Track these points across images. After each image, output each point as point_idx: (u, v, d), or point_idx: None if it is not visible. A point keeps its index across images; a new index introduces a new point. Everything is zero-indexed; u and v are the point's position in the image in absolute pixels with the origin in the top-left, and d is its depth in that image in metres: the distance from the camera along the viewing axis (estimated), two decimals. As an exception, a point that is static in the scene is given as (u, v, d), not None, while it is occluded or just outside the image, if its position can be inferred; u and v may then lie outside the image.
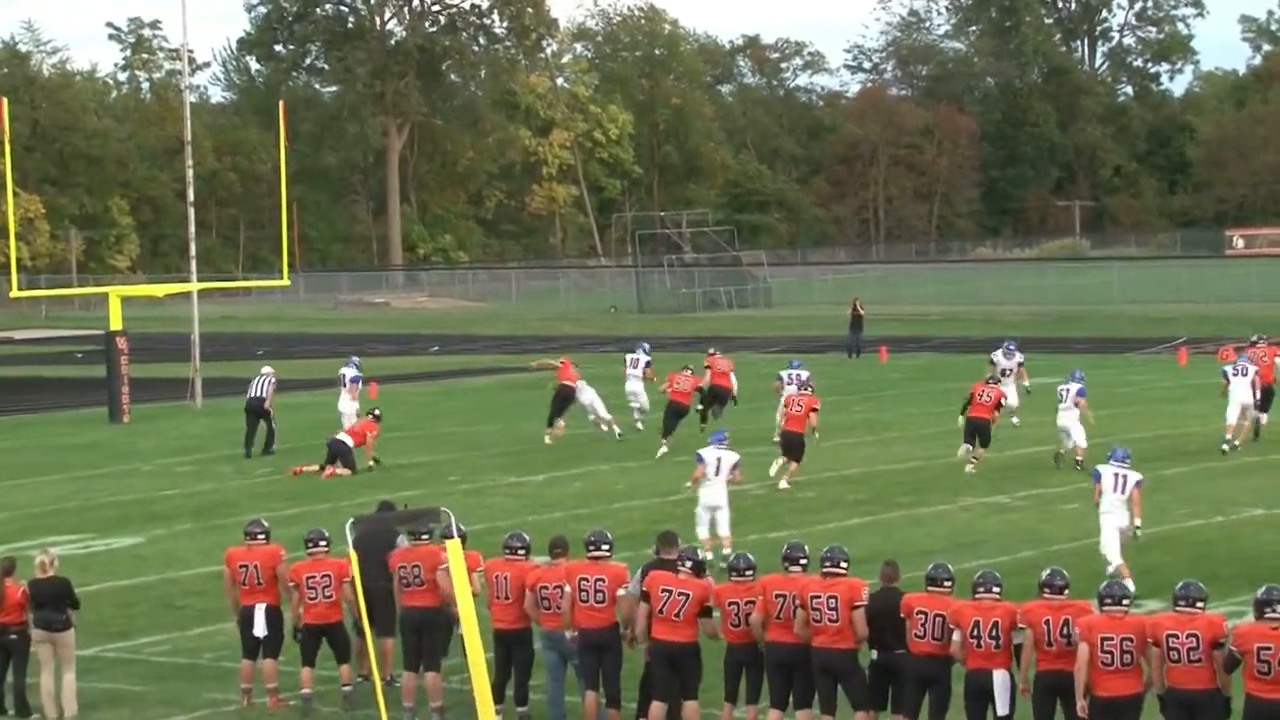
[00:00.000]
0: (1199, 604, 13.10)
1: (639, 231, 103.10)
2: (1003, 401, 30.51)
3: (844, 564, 14.56)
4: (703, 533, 22.03)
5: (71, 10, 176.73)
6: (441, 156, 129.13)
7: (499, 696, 15.65)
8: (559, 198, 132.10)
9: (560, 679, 15.88)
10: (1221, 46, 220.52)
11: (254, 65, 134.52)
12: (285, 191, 48.88)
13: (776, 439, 33.52)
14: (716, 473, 22.12)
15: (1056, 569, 13.97)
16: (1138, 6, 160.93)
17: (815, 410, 29.08)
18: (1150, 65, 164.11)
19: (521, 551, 16.03)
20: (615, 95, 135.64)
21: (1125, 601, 13.30)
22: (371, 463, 32.01)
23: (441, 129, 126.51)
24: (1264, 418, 32.22)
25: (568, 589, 15.37)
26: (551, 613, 15.59)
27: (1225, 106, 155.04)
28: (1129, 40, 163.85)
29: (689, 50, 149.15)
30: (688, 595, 14.87)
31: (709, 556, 19.65)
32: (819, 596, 14.35)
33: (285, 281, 52.76)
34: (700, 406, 35.50)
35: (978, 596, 13.92)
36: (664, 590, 14.93)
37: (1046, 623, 13.54)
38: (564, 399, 35.06)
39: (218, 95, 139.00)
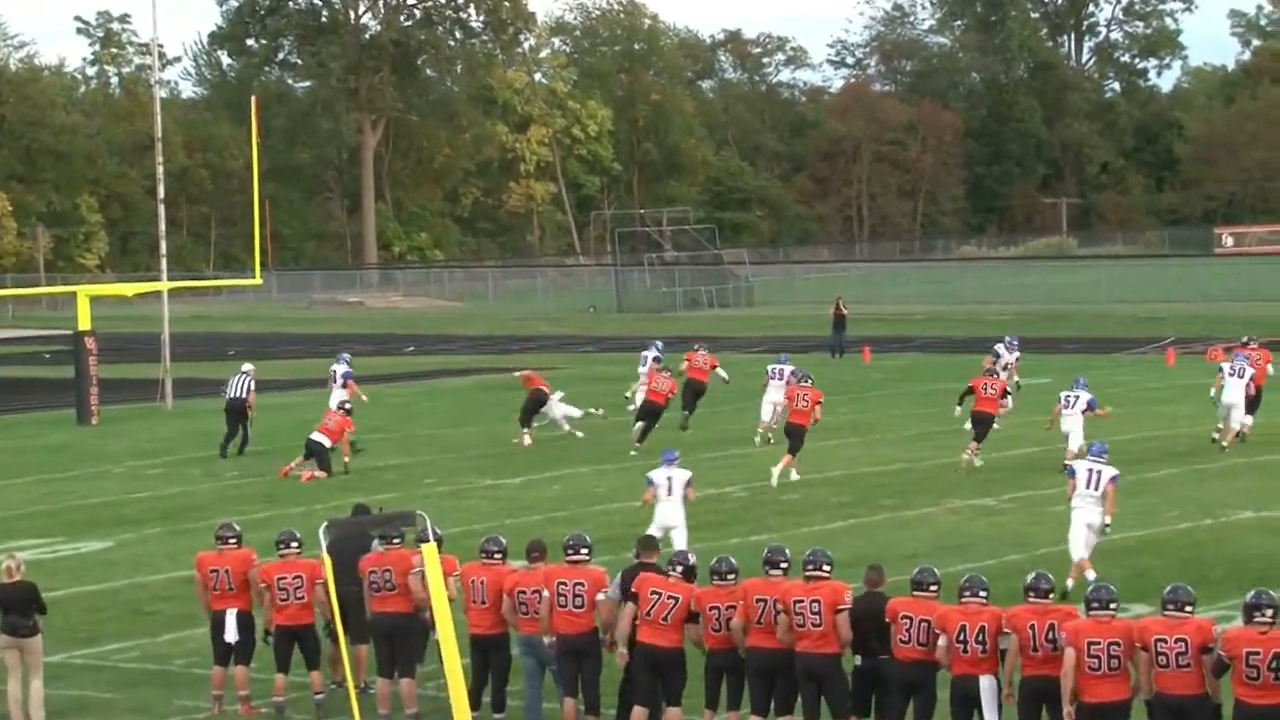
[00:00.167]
0: (1188, 608, 13.12)
1: (618, 229, 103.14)
2: (1007, 391, 30.61)
3: (827, 567, 14.56)
4: None
5: (39, 4, 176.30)
6: (417, 153, 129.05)
7: (475, 703, 15.62)
8: (537, 195, 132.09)
9: (538, 685, 15.87)
10: (1210, 42, 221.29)
11: (225, 60, 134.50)
12: (257, 188, 48.83)
13: (758, 434, 33.79)
14: (669, 493, 21.94)
15: (1042, 573, 13.99)
16: (1125, 1, 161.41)
17: (820, 404, 29.52)
18: (1138, 61, 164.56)
19: (498, 555, 16.02)
20: (594, 91, 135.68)
21: (1112, 605, 13.32)
22: (346, 459, 32.05)
23: (417, 125, 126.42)
24: (1249, 420, 32.27)
25: (546, 594, 15.36)
26: (529, 618, 15.58)
27: (1214, 103, 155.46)
28: (1116, 35, 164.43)
29: (669, 45, 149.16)
30: (677, 599, 14.88)
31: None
32: (802, 601, 14.34)
33: (257, 280, 52.63)
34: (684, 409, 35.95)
35: (964, 601, 13.93)
36: (653, 592, 14.93)
37: (1032, 628, 13.55)
38: (537, 403, 35.31)
39: (188, 90, 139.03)
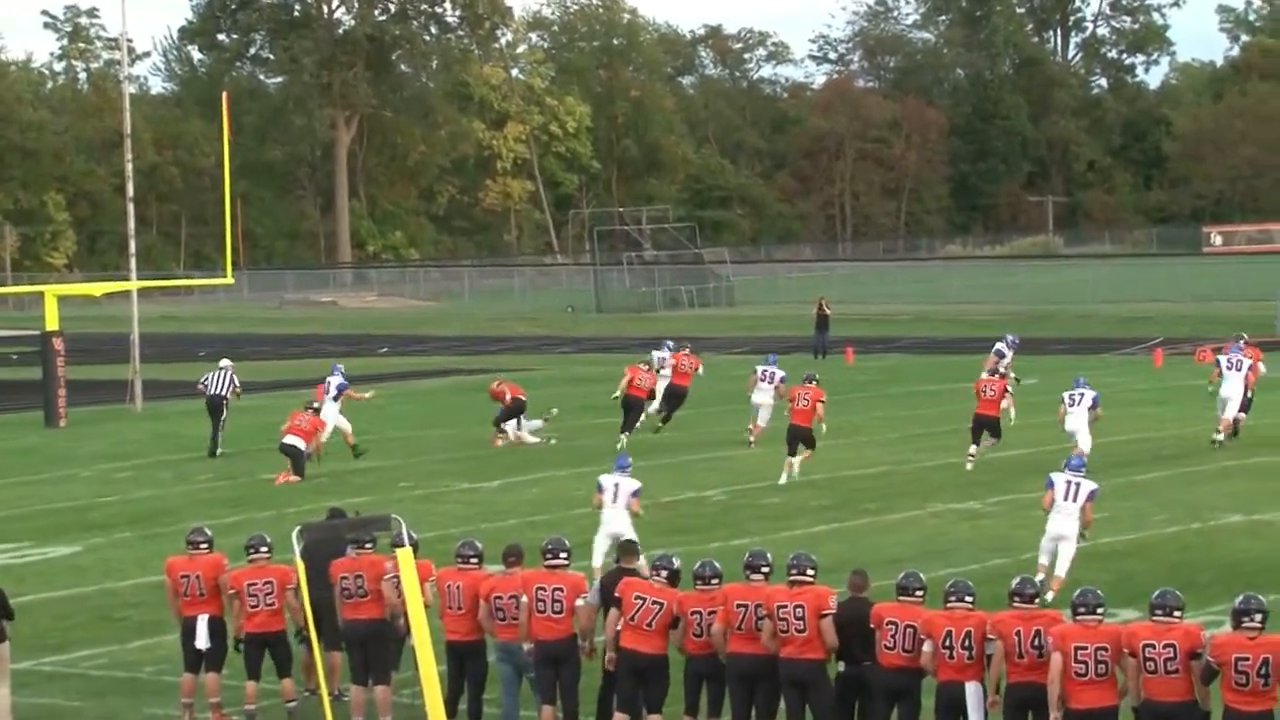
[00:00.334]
0: (1176, 613, 13.13)
1: (597, 228, 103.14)
2: (1008, 390, 30.69)
3: (811, 571, 14.55)
4: (597, 561, 21.35)
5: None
6: (391, 150, 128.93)
7: (451, 711, 15.60)
8: (514, 193, 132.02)
9: (515, 693, 15.86)
10: (1198, 37, 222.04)
11: (196, 55, 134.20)
12: (229, 186, 48.69)
13: (751, 437, 33.90)
14: (615, 499, 21.92)
15: (1027, 577, 14.02)
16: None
17: (822, 402, 29.77)
18: (1125, 56, 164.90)
19: (474, 560, 16.00)
20: (572, 87, 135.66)
21: (1099, 610, 13.34)
22: (317, 457, 32.10)
23: (391, 121, 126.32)
24: (1244, 417, 32.47)
25: (524, 599, 15.35)
26: (506, 624, 15.57)
27: (1202, 99, 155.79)
28: (1103, 31, 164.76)
29: (649, 40, 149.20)
30: (662, 605, 14.86)
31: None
32: (785, 606, 14.33)
33: (229, 280, 52.46)
34: (659, 409, 36.14)
35: (949, 606, 13.93)
36: (637, 598, 14.91)
37: (1018, 634, 13.56)
38: (515, 411, 35.51)
39: (158, 86, 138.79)
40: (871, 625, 14.19)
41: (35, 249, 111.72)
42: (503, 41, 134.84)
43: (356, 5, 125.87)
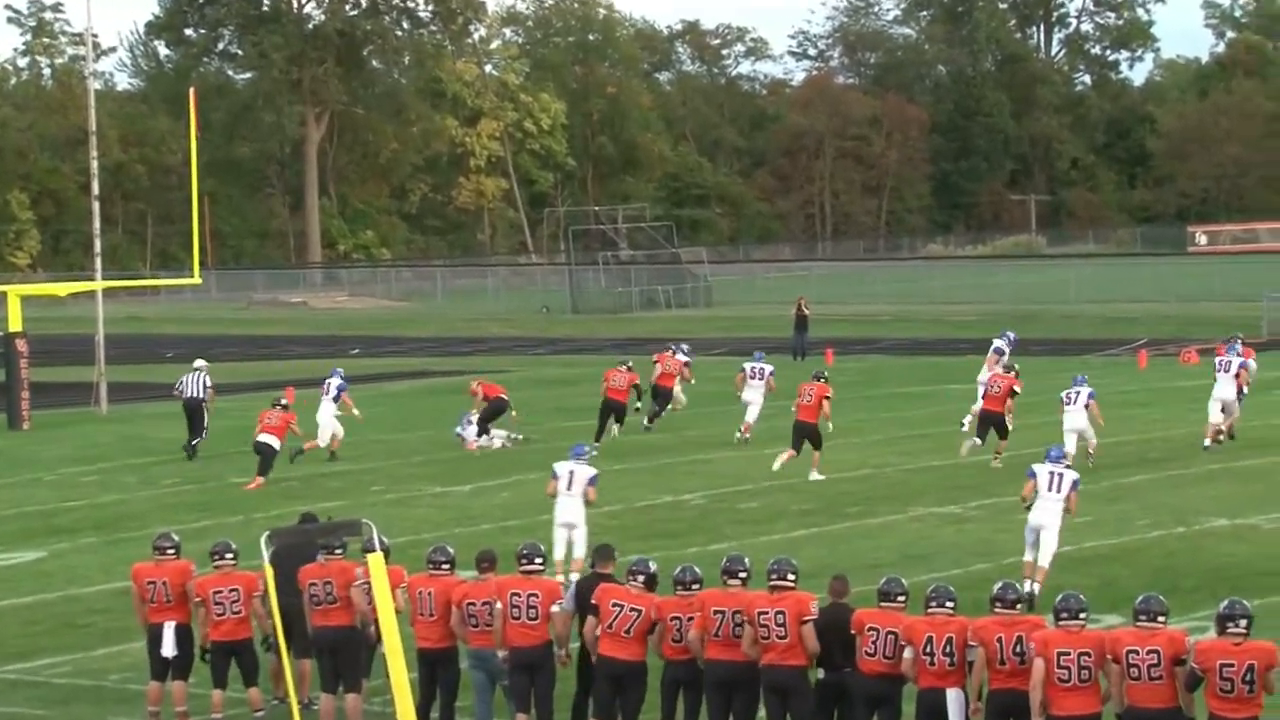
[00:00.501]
0: (1160, 619, 13.16)
1: (572, 227, 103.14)
2: (1015, 389, 30.84)
3: (791, 576, 14.54)
4: (559, 552, 21.46)
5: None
6: (362, 147, 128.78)
7: (423, 719, 15.60)
8: (488, 191, 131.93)
9: (488, 700, 15.85)
10: (1183, 33, 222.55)
11: (163, 50, 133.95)
12: (196, 184, 48.60)
13: (739, 435, 34.04)
14: (569, 487, 21.95)
15: (1009, 583, 14.03)
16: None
17: (828, 399, 30.05)
18: (1109, 53, 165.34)
19: (446, 566, 15.99)
20: (547, 83, 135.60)
21: (1082, 615, 13.36)
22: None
23: (362, 118, 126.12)
24: (1236, 416, 32.64)
25: (498, 605, 15.34)
26: (479, 630, 15.56)
27: (1187, 96, 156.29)
28: (1087, 27, 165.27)
29: (625, 36, 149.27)
30: (639, 612, 14.86)
31: (567, 579, 19.46)
32: (766, 612, 14.33)
33: (196, 280, 52.34)
34: (639, 406, 36.31)
35: (930, 611, 13.95)
36: (615, 605, 14.92)
37: (999, 640, 13.58)
38: (496, 411, 35.50)
39: (124, 82, 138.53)
40: (852, 631, 14.20)
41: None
42: (476, 37, 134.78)
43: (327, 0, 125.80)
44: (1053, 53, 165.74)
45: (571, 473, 21.93)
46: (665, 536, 24.86)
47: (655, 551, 21.45)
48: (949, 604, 13.94)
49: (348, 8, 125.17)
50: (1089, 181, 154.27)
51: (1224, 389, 32.17)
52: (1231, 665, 12.73)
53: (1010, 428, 30.88)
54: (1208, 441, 31.65)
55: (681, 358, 38.63)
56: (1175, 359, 50.63)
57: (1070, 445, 29.50)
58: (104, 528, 27.88)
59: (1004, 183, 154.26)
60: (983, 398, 31.30)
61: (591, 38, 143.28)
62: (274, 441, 31.54)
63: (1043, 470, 20.77)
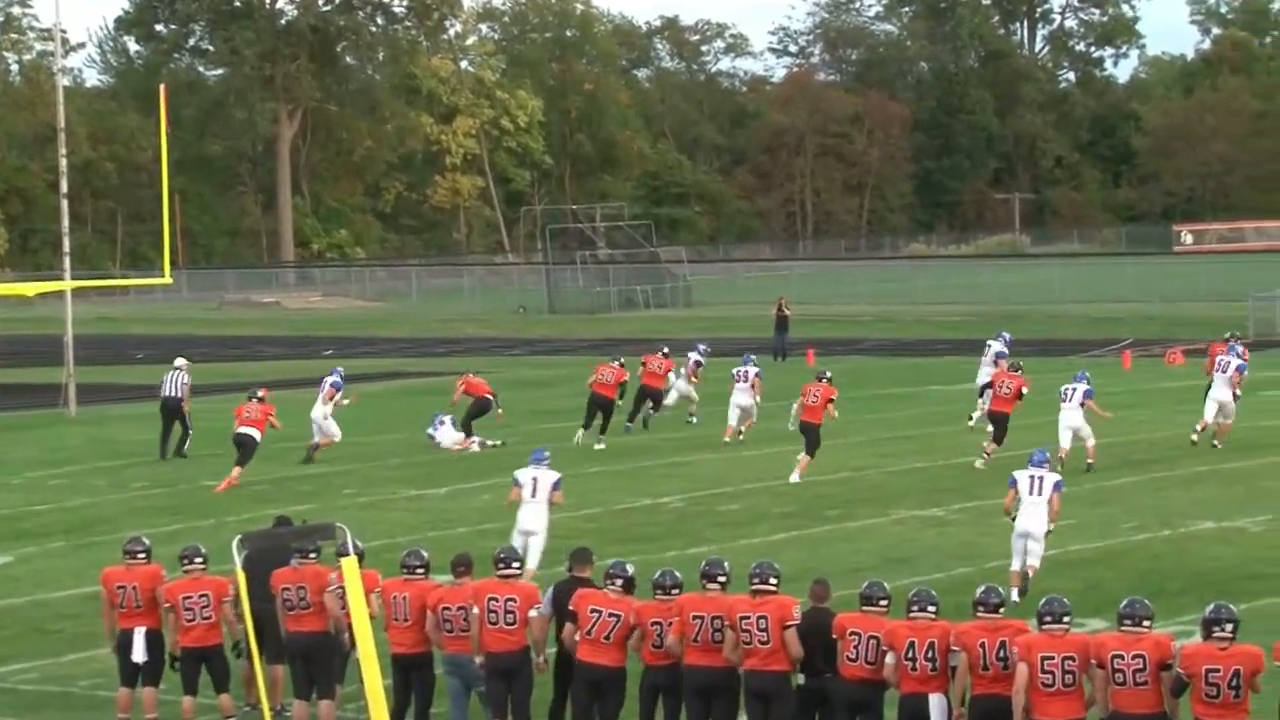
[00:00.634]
0: (1145, 623, 13.19)
1: (550, 226, 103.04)
2: (1023, 391, 30.94)
3: (774, 580, 14.53)
4: (532, 563, 21.16)
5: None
6: (336, 145, 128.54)
7: (398, 725, 15.60)
8: (463, 190, 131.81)
9: (463, 706, 15.85)
10: (1169, 30, 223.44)
11: (133, 46, 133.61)
12: (167, 182, 48.31)
13: (726, 437, 34.10)
14: (533, 494, 21.88)
15: (992, 587, 14.03)
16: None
17: (832, 400, 30.14)
18: (1093, 49, 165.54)
19: (420, 570, 15.97)
20: (524, 80, 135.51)
21: (1066, 619, 13.38)
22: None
23: (336, 115, 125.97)
24: (1231, 412, 32.78)
25: (474, 611, 15.33)
26: (454, 636, 15.55)
27: (1173, 93, 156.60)
28: (1071, 23, 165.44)
29: (603, 32, 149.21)
30: (619, 617, 14.86)
31: None
32: (748, 617, 14.33)
33: (167, 279, 51.99)
34: (625, 401, 36.46)
35: (912, 616, 13.96)
36: (593, 610, 14.92)
37: (982, 645, 13.59)
38: (480, 410, 35.56)
39: (93, 78, 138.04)
40: (834, 636, 14.21)
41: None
42: (451, 33, 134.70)
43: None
44: (1036, 49, 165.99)
45: (535, 479, 21.83)
46: (643, 540, 24.85)
47: (633, 555, 21.40)
48: (931, 608, 13.95)
49: (321, 3, 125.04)
50: (1073, 180, 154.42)
51: (1221, 390, 32.24)
52: (1217, 670, 12.76)
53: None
54: (1195, 436, 31.77)
55: (695, 356, 38.69)
56: (1160, 359, 50.75)
57: (1065, 442, 29.71)
58: (73, 531, 27.81)
59: (987, 181, 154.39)
60: (991, 397, 31.45)
61: (569, 34, 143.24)
62: (255, 434, 31.71)
63: (1023, 476, 20.87)
